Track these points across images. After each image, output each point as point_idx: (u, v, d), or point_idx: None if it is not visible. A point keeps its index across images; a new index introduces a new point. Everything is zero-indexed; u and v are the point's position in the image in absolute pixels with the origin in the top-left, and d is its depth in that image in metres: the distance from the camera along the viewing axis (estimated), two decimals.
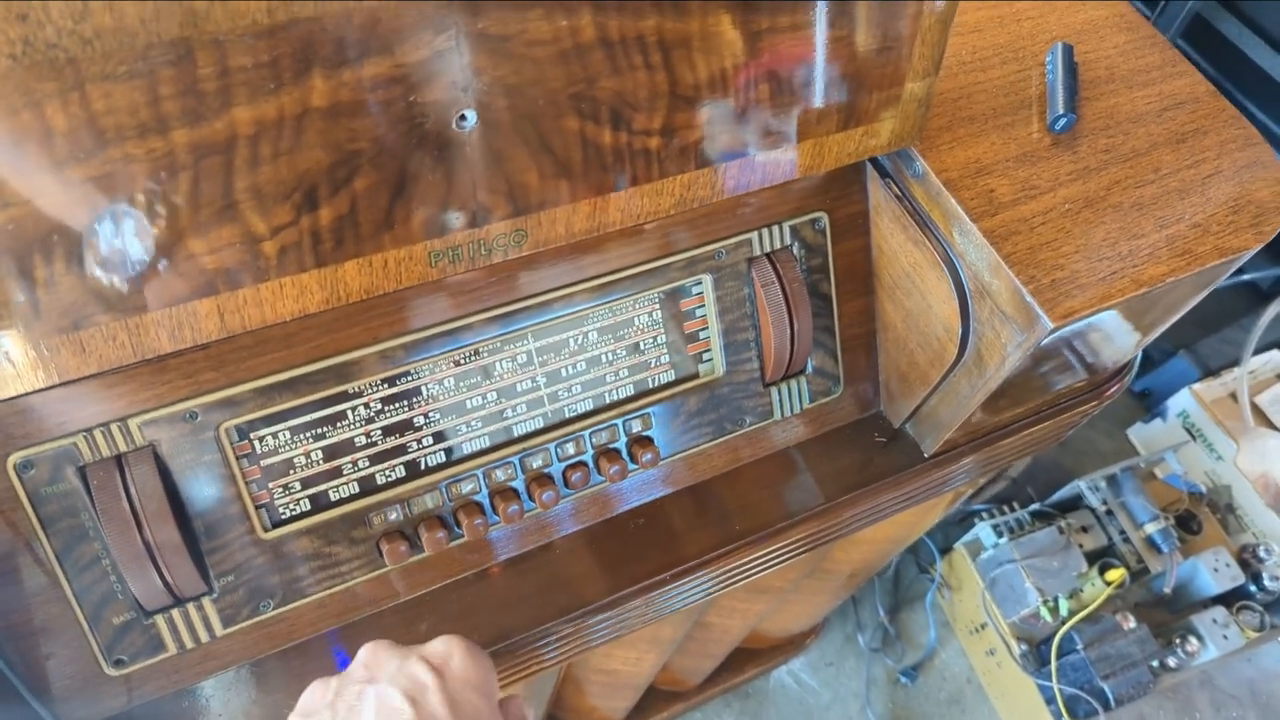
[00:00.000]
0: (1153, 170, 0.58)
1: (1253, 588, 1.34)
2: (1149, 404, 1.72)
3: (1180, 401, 1.59)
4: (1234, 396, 1.65)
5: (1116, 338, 0.60)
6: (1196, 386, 1.57)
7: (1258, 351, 1.60)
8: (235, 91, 0.35)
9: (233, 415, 0.47)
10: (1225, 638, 1.28)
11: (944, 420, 0.61)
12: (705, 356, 0.58)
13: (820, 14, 0.45)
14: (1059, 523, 1.33)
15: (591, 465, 0.56)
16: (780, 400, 0.61)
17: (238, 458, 0.47)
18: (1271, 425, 1.67)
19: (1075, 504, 1.39)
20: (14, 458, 0.43)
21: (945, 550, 1.48)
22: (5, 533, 0.43)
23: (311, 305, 0.43)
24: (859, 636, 1.45)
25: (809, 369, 0.61)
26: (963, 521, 1.47)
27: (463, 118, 0.40)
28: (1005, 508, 1.39)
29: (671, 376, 0.57)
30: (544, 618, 0.55)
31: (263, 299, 0.41)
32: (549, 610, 0.55)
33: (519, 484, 0.54)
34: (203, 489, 0.47)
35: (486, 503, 0.54)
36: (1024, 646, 1.32)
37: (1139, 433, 1.71)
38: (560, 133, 0.43)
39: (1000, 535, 1.34)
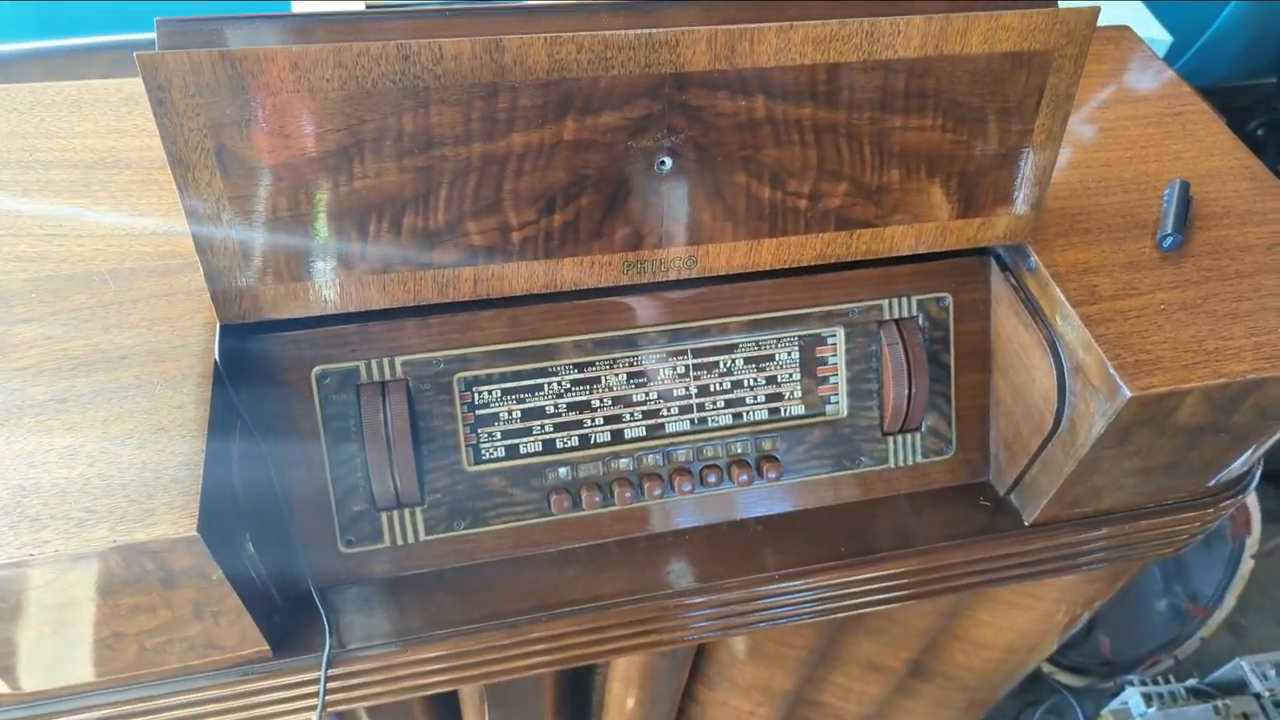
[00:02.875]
0: (1253, 290, 0.65)
1: None
2: None
3: None
4: None
5: (1210, 437, 0.66)
6: None
7: None
8: (517, 122, 0.52)
9: (464, 369, 0.63)
10: None
11: (1042, 489, 0.68)
12: (832, 398, 0.69)
13: (941, 122, 0.58)
14: (1216, 702, 1.27)
15: (724, 470, 0.68)
16: (895, 450, 0.71)
17: (461, 404, 0.63)
18: None
19: (1239, 688, 1.32)
20: (316, 369, 0.61)
21: (1092, 719, 1.42)
22: (301, 422, 0.61)
23: (536, 287, 0.59)
24: None
25: (923, 427, 0.71)
26: (1117, 696, 1.42)
27: (663, 163, 0.56)
28: (1161, 679, 1.34)
29: (801, 410, 0.69)
30: (665, 587, 0.66)
31: (505, 275, 0.58)
32: (672, 582, 0.66)
33: (663, 472, 0.67)
34: (433, 421, 0.63)
35: (635, 480, 0.67)
36: None
37: None
38: (731, 185, 0.58)
39: (1150, 704, 1.29)
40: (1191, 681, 1.34)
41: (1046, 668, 1.47)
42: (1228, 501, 0.75)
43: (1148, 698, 1.30)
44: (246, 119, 0.49)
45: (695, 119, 0.55)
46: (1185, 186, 0.70)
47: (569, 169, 0.55)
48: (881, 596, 0.71)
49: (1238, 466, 0.72)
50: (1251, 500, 1.43)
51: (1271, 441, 0.70)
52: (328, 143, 0.51)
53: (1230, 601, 1.49)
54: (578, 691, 0.91)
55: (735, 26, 0.52)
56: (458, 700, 0.83)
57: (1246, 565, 1.48)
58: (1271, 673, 1.30)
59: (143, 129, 0.69)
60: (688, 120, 0.55)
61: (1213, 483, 0.73)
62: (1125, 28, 0.88)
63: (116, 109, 0.70)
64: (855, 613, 0.72)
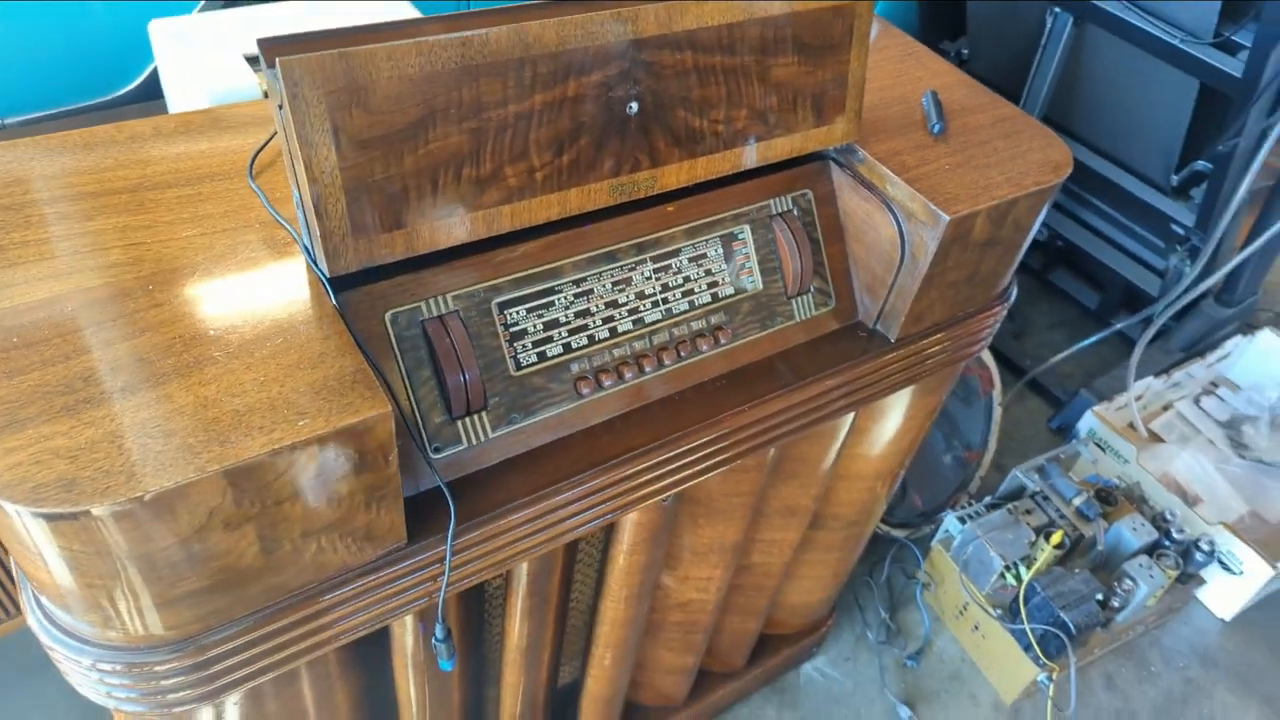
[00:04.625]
0: (993, 151, 0.98)
1: (1166, 542, 1.67)
2: (1066, 437, 2.10)
3: (1087, 423, 1.97)
4: (1131, 425, 2.05)
5: (990, 250, 0.97)
6: (1096, 409, 1.96)
7: (1137, 379, 2.01)
8: (537, 86, 0.72)
9: (498, 296, 0.80)
10: (1151, 576, 1.59)
11: (898, 312, 0.97)
12: (750, 279, 0.94)
13: (797, 59, 0.85)
14: (1007, 506, 1.66)
15: (691, 342, 0.90)
16: (797, 308, 0.97)
17: (500, 324, 0.81)
18: (1163, 441, 2.06)
19: (1018, 495, 1.72)
20: (388, 313, 0.76)
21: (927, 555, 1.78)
22: (383, 358, 0.75)
23: (553, 214, 0.78)
24: (867, 634, 1.71)
25: (812, 289, 0.97)
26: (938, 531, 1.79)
27: (631, 106, 0.78)
28: (966, 504, 1.72)
29: (731, 291, 0.93)
30: (675, 432, 0.86)
31: (532, 208, 0.76)
32: (679, 428, 0.87)
33: (651, 352, 0.88)
34: (482, 340, 0.80)
35: (634, 362, 0.87)
36: (999, 611, 1.60)
37: None
38: (675, 118, 0.81)
39: (963, 524, 1.66)
40: (987, 500, 1.73)
41: (881, 529, 1.80)
42: (1000, 307, 1.08)
43: (961, 519, 1.67)
44: (355, 103, 0.65)
45: (650, 72, 0.77)
46: (935, 94, 1.02)
47: (572, 118, 0.75)
48: (812, 418, 0.97)
49: (1005, 278, 1.06)
50: (990, 361, 1.86)
51: (1022, 253, 1.04)
52: (410, 115, 0.68)
53: (993, 444, 1.91)
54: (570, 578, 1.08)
55: (670, 2, 0.75)
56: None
57: (997, 413, 1.91)
58: (1036, 476, 1.72)
59: (164, 156, 0.79)
60: (645, 73, 0.77)
61: (993, 293, 1.06)
62: None
63: (128, 145, 0.80)
64: (797, 434, 0.97)
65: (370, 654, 0.89)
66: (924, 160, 0.95)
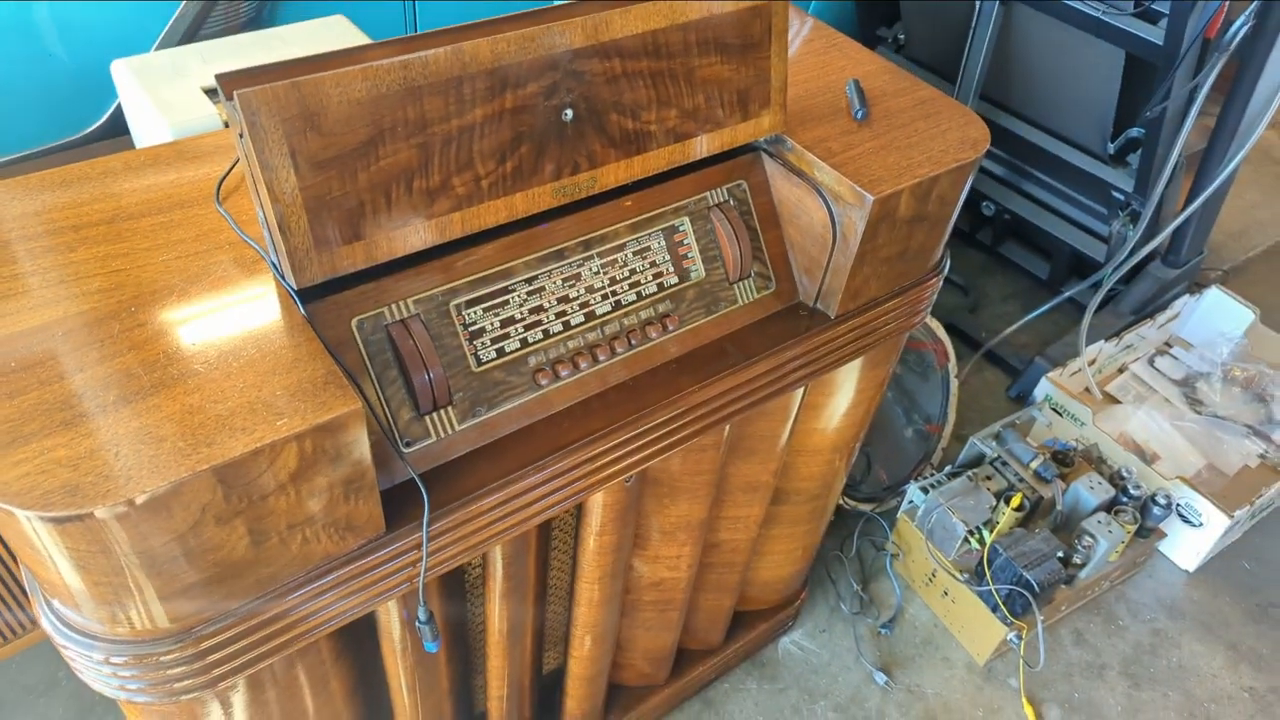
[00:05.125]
0: (914, 133, 1.05)
1: (1124, 498, 1.75)
2: (1025, 405, 2.17)
3: (1043, 389, 2.05)
4: (1086, 389, 2.13)
5: (919, 225, 1.04)
6: (1051, 374, 2.04)
7: (1089, 344, 2.09)
8: (477, 100, 0.78)
9: (456, 298, 0.86)
10: (1110, 532, 1.67)
11: (835, 289, 1.04)
12: (693, 268, 1.00)
13: (720, 58, 0.92)
14: (967, 473, 1.73)
15: (641, 330, 0.96)
16: (740, 293, 1.03)
17: (459, 324, 0.87)
18: (1119, 402, 2.14)
19: (977, 462, 1.80)
20: (354, 319, 0.82)
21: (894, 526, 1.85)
22: (352, 362, 0.81)
23: (501, 218, 0.84)
24: (841, 606, 1.78)
25: (752, 274, 1.04)
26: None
27: (566, 113, 0.84)
28: (928, 475, 1.79)
29: (676, 280, 0.99)
30: (633, 414, 0.93)
31: (480, 213, 0.83)
32: (636, 410, 0.93)
33: (604, 341, 0.94)
34: (443, 340, 0.85)
35: (589, 352, 0.93)
36: (966, 575, 1.67)
37: None
38: (609, 122, 0.87)
39: (927, 493, 1.73)
40: (947, 469, 1.80)
41: (849, 504, 1.87)
42: (935, 278, 1.15)
43: (924, 489, 1.74)
44: (309, 127, 0.71)
45: (581, 80, 0.83)
46: (857, 82, 1.09)
47: (512, 127, 0.81)
48: (761, 394, 1.03)
49: (937, 250, 1.13)
50: (943, 335, 1.94)
51: (950, 226, 1.11)
52: (361, 135, 0.74)
53: (952, 416, 1.99)
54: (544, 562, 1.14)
55: (596, 14, 0.82)
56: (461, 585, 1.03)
57: (954, 386, 1.98)
58: (993, 441, 1.79)
59: (135, 188, 0.85)
60: (577, 82, 0.83)
61: (927, 265, 1.13)
62: None
63: (100, 180, 0.85)
64: (748, 411, 1.03)
65: (361, 641, 0.95)
66: (849, 145, 1.02)
